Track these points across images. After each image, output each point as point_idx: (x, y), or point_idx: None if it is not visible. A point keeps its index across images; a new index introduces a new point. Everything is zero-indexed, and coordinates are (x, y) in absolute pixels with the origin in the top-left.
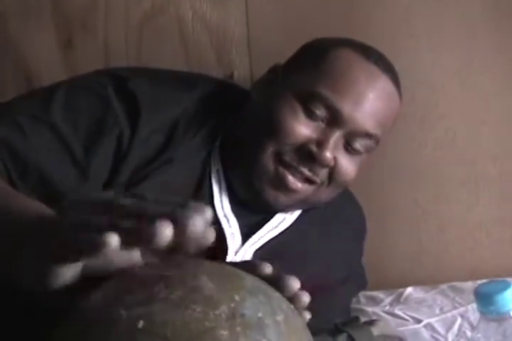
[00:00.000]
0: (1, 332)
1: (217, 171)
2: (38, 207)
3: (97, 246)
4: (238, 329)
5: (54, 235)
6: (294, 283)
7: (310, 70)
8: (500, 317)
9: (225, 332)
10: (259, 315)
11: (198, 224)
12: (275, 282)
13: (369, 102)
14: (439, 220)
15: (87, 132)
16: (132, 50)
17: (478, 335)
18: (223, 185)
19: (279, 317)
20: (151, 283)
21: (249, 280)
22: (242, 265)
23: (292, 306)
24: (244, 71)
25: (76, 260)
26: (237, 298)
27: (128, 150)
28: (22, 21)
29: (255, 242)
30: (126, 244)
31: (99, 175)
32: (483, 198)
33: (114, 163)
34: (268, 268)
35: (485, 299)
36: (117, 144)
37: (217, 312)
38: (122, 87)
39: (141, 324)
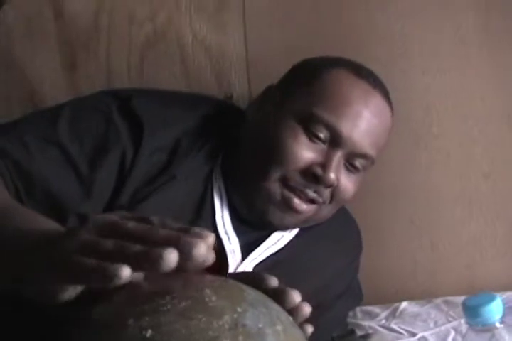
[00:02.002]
0: None
1: (219, 188)
2: (45, 222)
3: (109, 279)
4: (240, 338)
5: (62, 254)
6: (296, 296)
7: (305, 92)
8: (486, 328)
9: None
10: (260, 325)
11: (202, 250)
12: (278, 294)
13: (365, 121)
14: (433, 237)
15: (92, 150)
16: (134, 72)
17: None
18: (225, 202)
19: (279, 328)
20: (158, 295)
21: (250, 292)
22: (249, 276)
23: (291, 318)
24: (243, 92)
25: (84, 284)
26: (239, 309)
27: (131, 167)
28: (27, 44)
29: (254, 258)
30: (132, 267)
31: (103, 191)
32: (476, 215)
33: (118, 180)
34: (274, 281)
35: (472, 311)
36: (121, 162)
37: (220, 322)
38: (126, 107)
39: (149, 333)
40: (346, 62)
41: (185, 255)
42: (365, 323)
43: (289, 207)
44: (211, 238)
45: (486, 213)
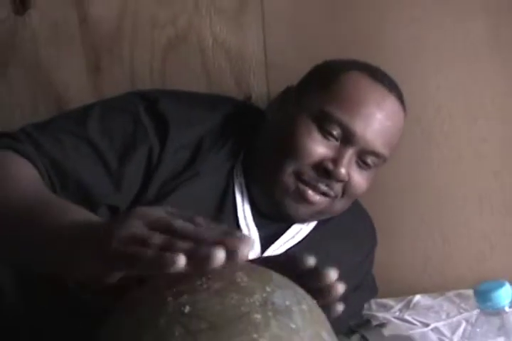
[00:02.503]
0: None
1: (240, 184)
2: (87, 213)
3: (167, 265)
4: (270, 314)
5: (109, 241)
6: (334, 274)
7: (322, 92)
8: (496, 312)
9: (258, 316)
10: (287, 303)
11: (246, 253)
12: (316, 272)
13: (378, 122)
14: (445, 232)
15: (121, 146)
16: (156, 74)
17: (478, 330)
18: (245, 197)
19: (304, 307)
20: (195, 277)
21: (277, 276)
22: (288, 256)
23: (314, 300)
24: (261, 93)
25: (132, 270)
26: (268, 289)
27: (158, 163)
28: (53, 48)
29: (274, 251)
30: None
31: (132, 185)
32: (486, 211)
33: (146, 175)
34: (312, 260)
35: (483, 296)
36: (148, 158)
37: (251, 300)
38: (152, 107)
39: (187, 309)
40: (364, 65)
41: (230, 256)
42: (380, 315)
43: (303, 198)
44: (253, 241)
45: (496, 209)
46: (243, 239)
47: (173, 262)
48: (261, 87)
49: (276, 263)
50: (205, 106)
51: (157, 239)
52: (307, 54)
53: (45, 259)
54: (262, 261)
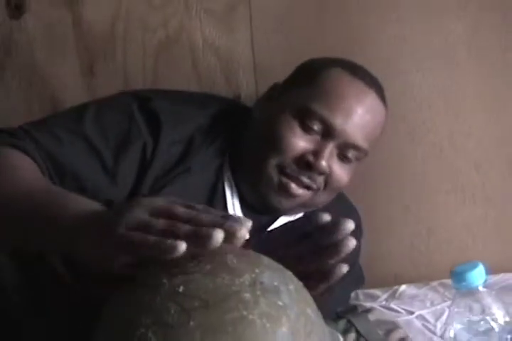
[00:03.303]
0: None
1: (229, 179)
2: (90, 202)
3: (168, 251)
4: (258, 293)
5: (120, 229)
6: (350, 225)
7: (304, 88)
8: (470, 292)
9: (248, 295)
10: (275, 283)
11: (244, 233)
12: (334, 224)
13: (358, 116)
14: (429, 224)
15: (116, 142)
16: (149, 75)
17: (455, 309)
18: (234, 192)
19: (291, 287)
20: (187, 260)
21: (266, 259)
22: (301, 220)
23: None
24: (250, 92)
25: (135, 255)
26: (257, 270)
27: (151, 159)
28: (48, 51)
29: None
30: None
31: (127, 180)
32: (469, 203)
33: (140, 170)
34: (327, 216)
35: (458, 276)
36: (142, 154)
37: (241, 280)
38: (145, 105)
39: (181, 288)
40: (345, 62)
41: (229, 236)
42: (367, 304)
43: (286, 191)
44: (250, 223)
45: (478, 201)
46: (240, 220)
47: (174, 247)
48: (250, 86)
49: (280, 232)
50: (196, 104)
51: (159, 224)
52: (295, 54)
53: (49, 247)
54: (266, 236)
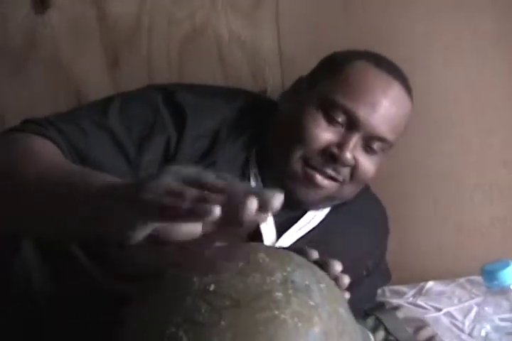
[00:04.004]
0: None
1: (255, 174)
2: (116, 178)
3: (203, 214)
4: (290, 292)
5: (143, 192)
6: (338, 266)
7: (328, 80)
8: (502, 291)
9: (279, 294)
10: (306, 282)
11: (277, 203)
12: (320, 265)
13: (383, 108)
14: (456, 220)
15: (139, 135)
16: (174, 69)
17: (486, 308)
18: (260, 186)
19: (322, 285)
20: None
21: (297, 258)
22: (293, 250)
23: (332, 281)
24: (276, 86)
25: (166, 220)
26: (288, 268)
27: (175, 152)
28: (72, 45)
29: (289, 237)
30: None
31: (150, 173)
32: (496, 199)
33: (164, 163)
34: (315, 254)
35: (490, 275)
36: (166, 147)
37: (272, 278)
38: (170, 98)
39: (212, 287)
40: (370, 54)
41: (263, 206)
42: (394, 301)
43: (312, 182)
44: (282, 196)
45: (506, 196)
46: (273, 192)
47: (210, 211)
48: (276, 81)
49: None
50: (222, 98)
51: (191, 191)
52: (321, 48)
53: (71, 224)
54: None
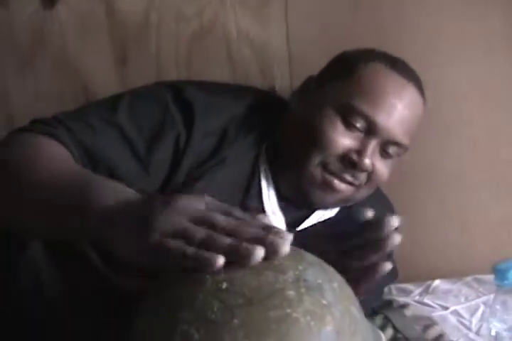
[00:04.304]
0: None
1: (265, 171)
2: (125, 189)
3: (205, 265)
4: (302, 290)
5: (149, 232)
6: (395, 221)
7: (342, 83)
8: None
9: (292, 292)
10: (319, 281)
11: (286, 249)
12: (377, 221)
13: (399, 113)
14: (463, 218)
15: (149, 132)
16: (182, 66)
17: (497, 307)
18: (270, 183)
19: (335, 285)
20: None
21: (309, 256)
22: (343, 216)
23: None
24: (285, 84)
25: (166, 265)
26: (300, 267)
27: (185, 150)
28: (80, 42)
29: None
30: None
31: (159, 170)
32: (503, 198)
33: (174, 160)
34: (370, 212)
35: (501, 274)
36: (175, 144)
37: (285, 277)
38: (179, 96)
39: (224, 285)
40: (382, 55)
41: (271, 252)
42: (400, 299)
43: (329, 187)
44: (291, 237)
45: None
46: (282, 235)
47: (212, 262)
48: (284, 79)
49: (321, 228)
50: (231, 95)
51: (199, 234)
52: (329, 46)
53: (79, 235)
54: (306, 231)
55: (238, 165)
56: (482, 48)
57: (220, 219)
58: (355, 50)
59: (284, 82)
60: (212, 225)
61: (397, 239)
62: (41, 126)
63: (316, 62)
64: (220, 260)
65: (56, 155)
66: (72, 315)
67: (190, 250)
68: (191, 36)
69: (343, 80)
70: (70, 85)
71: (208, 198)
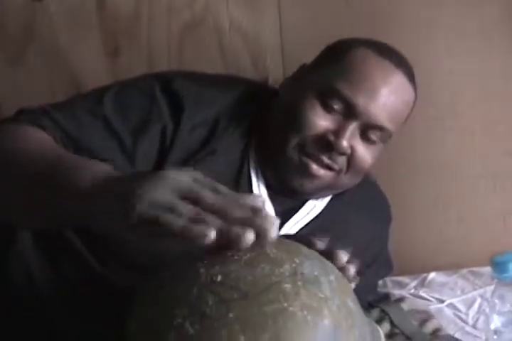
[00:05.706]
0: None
1: (254, 161)
2: (109, 168)
3: (197, 237)
4: (299, 283)
5: (134, 203)
6: (344, 256)
7: (328, 68)
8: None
9: (288, 286)
10: (316, 273)
11: (273, 234)
12: (326, 255)
13: (383, 96)
14: (458, 211)
15: (135, 124)
16: (174, 57)
17: (496, 300)
18: (260, 174)
19: (332, 277)
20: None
21: (305, 249)
22: (298, 239)
23: (340, 273)
24: (277, 75)
25: (155, 238)
26: (297, 260)
27: (173, 141)
28: (71, 34)
29: (290, 228)
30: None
31: (145, 162)
32: (500, 190)
33: (160, 152)
34: (321, 244)
35: (500, 267)
36: (161, 136)
37: (281, 270)
38: (167, 87)
39: (219, 278)
40: (372, 42)
41: (260, 237)
42: (396, 292)
43: (306, 171)
44: (278, 221)
45: (509, 187)
46: (269, 218)
47: (205, 235)
48: (277, 70)
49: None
50: (221, 86)
51: (187, 210)
52: (323, 37)
53: (65, 216)
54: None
55: (228, 156)
56: (479, 40)
57: (208, 194)
58: (348, 38)
59: (277, 73)
60: (199, 200)
61: (351, 270)
62: (27, 115)
63: (308, 53)
64: (213, 233)
65: (39, 140)
66: (64, 306)
67: (181, 221)
68: (183, 27)
69: (329, 65)
70: (61, 77)
71: (196, 173)
